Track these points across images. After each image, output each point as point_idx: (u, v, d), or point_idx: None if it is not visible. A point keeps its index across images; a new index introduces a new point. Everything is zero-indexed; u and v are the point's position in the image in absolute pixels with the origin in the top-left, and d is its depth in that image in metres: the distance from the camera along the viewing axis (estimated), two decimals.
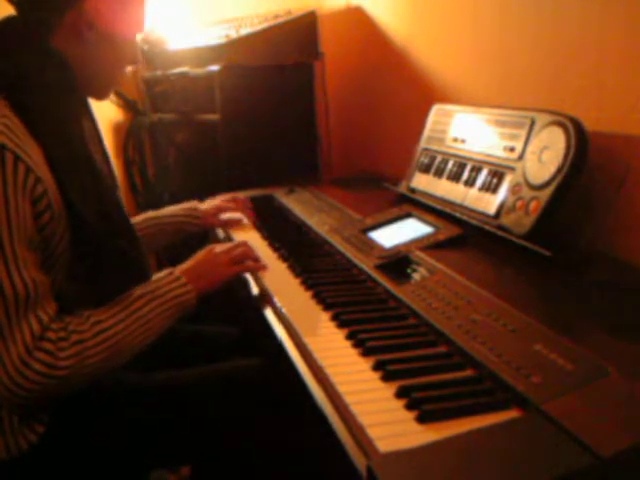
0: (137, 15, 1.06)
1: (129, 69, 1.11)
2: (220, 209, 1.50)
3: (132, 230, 1.07)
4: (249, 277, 1.18)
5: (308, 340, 0.89)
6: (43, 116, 0.92)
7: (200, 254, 1.14)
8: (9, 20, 0.98)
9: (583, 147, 1.04)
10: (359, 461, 0.63)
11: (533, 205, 1.08)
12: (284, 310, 1.00)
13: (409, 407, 0.70)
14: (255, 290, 1.13)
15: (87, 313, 0.95)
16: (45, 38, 0.97)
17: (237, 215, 1.53)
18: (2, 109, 0.89)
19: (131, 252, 1.02)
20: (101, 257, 0.98)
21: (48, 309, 0.90)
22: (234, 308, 1.37)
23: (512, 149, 1.20)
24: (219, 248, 1.16)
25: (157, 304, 1.00)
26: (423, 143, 1.52)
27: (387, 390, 0.75)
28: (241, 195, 1.67)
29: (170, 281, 1.04)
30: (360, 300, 1.02)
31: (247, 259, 1.18)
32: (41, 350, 0.87)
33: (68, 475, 0.97)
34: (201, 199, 1.57)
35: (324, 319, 0.96)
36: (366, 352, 0.84)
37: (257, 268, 1.18)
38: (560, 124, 1.08)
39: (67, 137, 0.96)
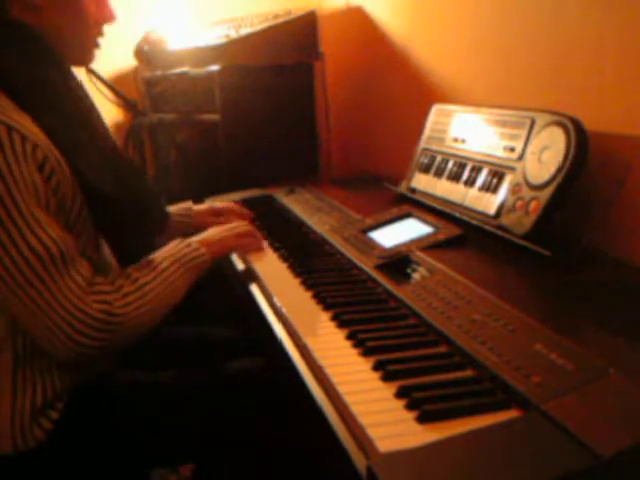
0: None
1: (105, 28, 1.08)
2: (213, 209, 1.50)
3: (144, 182, 1.08)
4: (247, 277, 1.18)
5: (308, 340, 0.89)
6: (28, 87, 0.92)
7: (207, 231, 1.21)
8: None
9: (583, 147, 1.04)
10: (359, 461, 0.63)
11: (533, 205, 1.08)
12: (284, 310, 1.00)
13: (409, 407, 0.70)
14: (252, 286, 1.13)
15: (127, 273, 1.00)
16: (4, 14, 0.94)
17: (233, 219, 1.52)
18: None
19: (147, 202, 1.05)
20: (115, 216, 1.00)
21: (84, 264, 0.93)
22: (235, 309, 1.37)
23: (512, 149, 1.20)
24: (222, 227, 1.24)
25: (178, 266, 1.06)
26: (423, 143, 1.52)
27: (387, 390, 0.75)
28: (242, 195, 1.67)
29: (185, 246, 1.10)
30: (360, 300, 1.02)
31: (250, 236, 1.27)
32: (96, 301, 0.91)
33: (73, 472, 0.98)
34: (201, 199, 1.57)
35: (324, 319, 0.96)
36: (366, 352, 0.84)
37: (257, 245, 1.29)
38: (560, 124, 1.08)
39: (54, 105, 0.95)
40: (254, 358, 1.17)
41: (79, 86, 1.05)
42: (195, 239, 1.15)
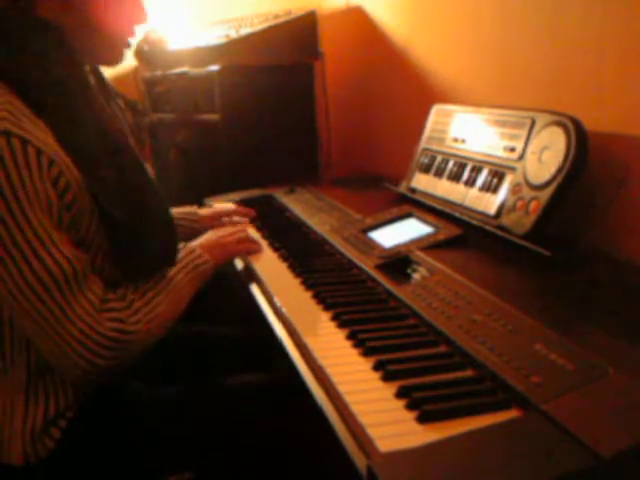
0: None
1: (138, 29, 1.05)
2: (219, 213, 1.50)
3: (160, 210, 1.03)
4: (247, 277, 1.18)
5: (308, 340, 0.89)
6: (45, 95, 0.88)
7: (207, 235, 1.22)
8: None
9: (583, 147, 1.04)
10: (359, 461, 0.63)
11: (533, 205, 1.08)
12: (284, 310, 1.00)
13: (409, 407, 0.70)
14: (252, 286, 1.13)
15: (134, 286, 0.99)
16: (30, 11, 0.91)
17: (236, 219, 1.52)
18: (3, 94, 0.85)
19: (156, 234, 1.00)
20: (122, 238, 0.96)
21: (96, 281, 0.93)
22: (235, 309, 1.37)
23: (512, 149, 1.20)
24: (221, 231, 1.25)
25: (184, 274, 1.07)
26: (423, 143, 1.52)
27: (387, 390, 0.75)
28: (242, 195, 1.67)
29: (188, 252, 1.11)
30: (360, 300, 1.02)
31: (248, 241, 1.28)
32: (109, 319, 0.90)
33: None
34: (201, 199, 1.57)
35: (324, 319, 0.96)
36: (366, 352, 0.84)
37: (257, 250, 1.29)
38: (560, 124, 1.08)
39: (73, 114, 0.91)
40: (254, 358, 1.17)
41: (98, 94, 1.02)
42: (196, 244, 1.15)
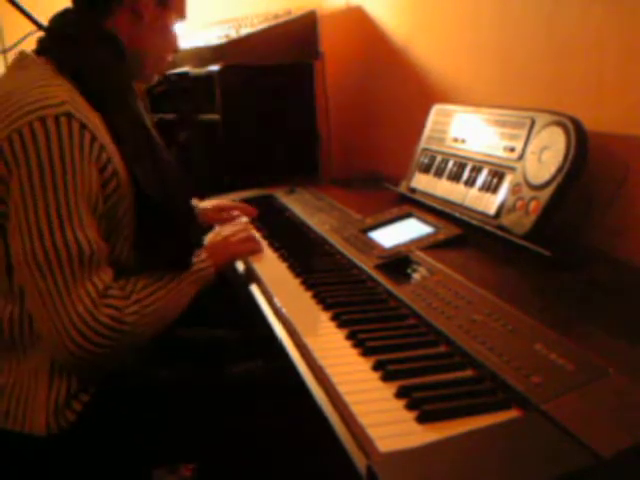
0: (180, 4, 1.14)
1: (171, 58, 1.20)
2: (220, 207, 1.51)
3: (189, 207, 1.13)
4: (247, 277, 1.18)
5: (308, 340, 0.89)
6: (102, 89, 1.00)
7: (211, 235, 1.24)
8: (67, 9, 1.06)
9: (583, 147, 1.04)
10: (359, 461, 0.63)
11: (533, 205, 1.08)
12: (284, 310, 1.00)
13: (409, 407, 0.70)
14: (252, 286, 1.13)
15: (135, 279, 1.01)
16: (101, 22, 1.04)
17: (236, 212, 1.53)
18: (66, 84, 0.96)
19: (184, 226, 1.08)
20: (156, 228, 1.03)
21: (108, 272, 0.96)
22: (235, 309, 1.37)
23: (512, 149, 1.20)
24: (225, 231, 1.26)
25: (184, 277, 1.07)
26: (423, 143, 1.52)
27: (387, 390, 0.75)
28: (242, 195, 1.66)
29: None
30: (360, 300, 1.02)
31: (251, 241, 1.29)
32: (107, 305, 0.92)
33: (96, 455, 0.99)
34: (201, 199, 1.57)
35: (324, 319, 0.96)
36: (366, 352, 0.84)
37: (259, 250, 1.29)
38: (560, 124, 1.08)
39: (125, 109, 1.02)
40: (254, 358, 1.17)
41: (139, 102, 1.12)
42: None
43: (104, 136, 0.95)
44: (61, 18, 1.06)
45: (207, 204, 1.50)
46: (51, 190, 0.88)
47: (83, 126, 0.91)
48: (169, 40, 1.14)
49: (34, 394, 0.95)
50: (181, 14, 1.15)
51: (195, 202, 1.47)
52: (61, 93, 0.93)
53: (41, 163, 0.88)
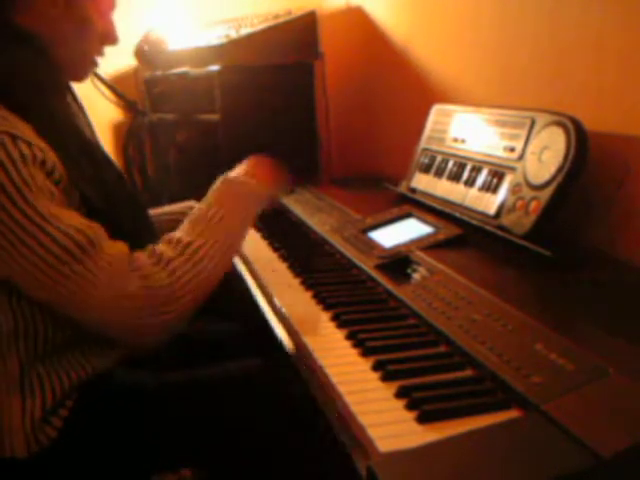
0: None
1: (106, 49, 1.11)
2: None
3: (134, 200, 1.06)
4: (247, 277, 1.18)
5: (308, 340, 0.89)
6: (28, 97, 0.92)
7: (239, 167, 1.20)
8: None
9: (583, 147, 1.04)
10: (359, 461, 0.63)
11: (533, 205, 1.08)
12: (284, 310, 1.00)
13: (409, 407, 0.70)
14: (253, 286, 1.13)
15: (170, 238, 0.97)
16: (10, 19, 0.94)
17: None
18: None
19: (132, 222, 1.02)
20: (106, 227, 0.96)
21: (121, 245, 0.92)
22: (235, 309, 1.37)
23: (512, 149, 1.20)
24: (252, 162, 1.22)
25: (231, 204, 1.04)
26: (423, 143, 1.52)
27: (387, 390, 0.75)
28: None
29: (228, 184, 1.09)
30: (360, 300, 1.02)
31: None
32: (136, 276, 0.89)
33: (83, 471, 0.98)
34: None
35: (324, 319, 0.96)
36: (366, 352, 0.84)
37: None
38: (560, 124, 1.08)
39: (52, 114, 0.95)
40: (254, 358, 1.17)
41: (73, 103, 1.06)
42: (232, 174, 1.14)
43: (38, 141, 0.89)
44: None
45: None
46: (15, 210, 0.84)
47: (15, 137, 0.85)
48: (92, 35, 1.03)
49: (9, 415, 0.93)
50: (105, 4, 1.04)
51: (191, 203, 1.44)
52: None
53: None
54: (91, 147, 1.00)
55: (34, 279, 0.86)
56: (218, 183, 1.10)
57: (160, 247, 0.95)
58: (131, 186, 1.06)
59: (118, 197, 0.99)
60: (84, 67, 1.07)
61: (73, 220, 0.88)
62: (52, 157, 0.89)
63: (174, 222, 1.40)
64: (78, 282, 0.87)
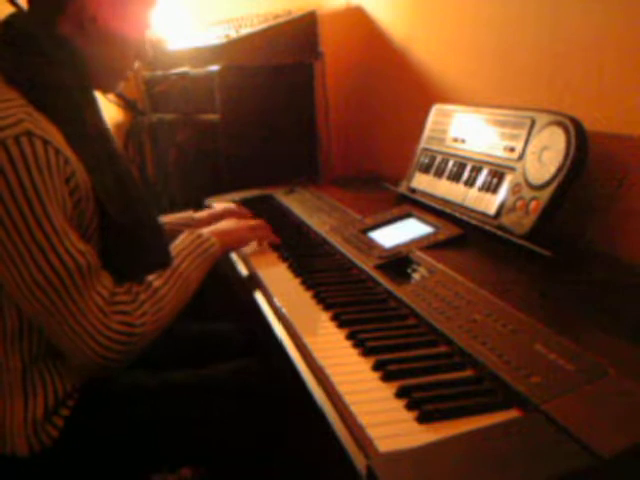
0: (140, 14, 1.05)
1: (136, 65, 1.12)
2: (214, 216, 1.49)
3: (152, 217, 1.07)
4: (247, 277, 1.18)
5: (308, 340, 0.89)
6: (58, 101, 0.93)
7: (222, 221, 1.26)
8: (14, 15, 0.99)
9: (583, 147, 1.04)
10: (359, 461, 0.63)
11: (533, 205, 1.08)
12: (284, 310, 1.00)
13: (409, 407, 0.70)
14: (252, 286, 1.13)
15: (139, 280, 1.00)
16: (52, 28, 0.97)
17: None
18: (18, 98, 0.89)
19: (150, 240, 1.03)
20: (119, 243, 0.99)
21: (107, 276, 0.95)
22: (235, 309, 1.37)
23: (512, 149, 1.20)
24: (233, 221, 1.27)
25: (191, 260, 1.07)
26: (423, 143, 1.52)
27: (387, 390, 0.75)
28: (242, 195, 1.66)
29: (195, 237, 1.12)
30: (360, 300, 1.02)
31: (263, 228, 1.31)
32: (117, 312, 0.92)
33: (85, 470, 0.98)
34: (201, 199, 1.56)
35: (324, 319, 0.96)
36: (366, 352, 0.84)
37: (275, 239, 1.31)
38: (560, 124, 1.08)
39: (82, 121, 0.96)
40: (254, 358, 1.17)
41: (100, 112, 1.06)
42: (206, 230, 1.17)
43: (66, 149, 0.90)
44: (8, 24, 0.96)
45: (203, 214, 1.48)
46: (30, 214, 0.85)
47: (46, 142, 0.86)
48: (125, 53, 1.05)
49: (11, 414, 0.94)
50: (139, 26, 1.06)
51: (189, 214, 1.45)
52: (15, 110, 0.86)
53: (12, 191, 0.83)
54: (117, 159, 1.01)
55: (26, 287, 0.87)
56: (187, 236, 1.12)
57: (135, 287, 0.98)
58: (148, 198, 1.08)
59: (135, 210, 1.01)
60: (115, 80, 1.09)
61: (77, 241, 0.90)
62: (75, 163, 0.91)
63: (174, 232, 1.40)
64: (67, 304, 0.88)
